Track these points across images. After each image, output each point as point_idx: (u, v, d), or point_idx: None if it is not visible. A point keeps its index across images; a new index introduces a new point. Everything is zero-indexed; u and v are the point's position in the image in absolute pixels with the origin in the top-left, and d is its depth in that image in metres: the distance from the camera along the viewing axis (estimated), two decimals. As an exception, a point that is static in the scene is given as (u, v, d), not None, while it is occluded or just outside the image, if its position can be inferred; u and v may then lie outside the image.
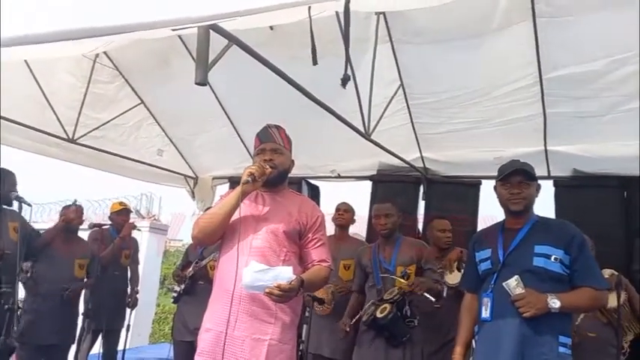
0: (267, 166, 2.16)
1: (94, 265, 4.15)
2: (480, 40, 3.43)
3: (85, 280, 4.14)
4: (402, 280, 3.15)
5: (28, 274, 3.86)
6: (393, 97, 3.99)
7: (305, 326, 3.47)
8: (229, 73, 3.46)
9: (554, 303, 2.05)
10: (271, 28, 3.38)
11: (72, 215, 3.96)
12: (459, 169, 4.73)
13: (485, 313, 2.19)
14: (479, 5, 3.21)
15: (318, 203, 4.61)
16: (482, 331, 2.24)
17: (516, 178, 2.24)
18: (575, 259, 2.14)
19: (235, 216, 2.18)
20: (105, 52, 4.17)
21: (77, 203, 4.26)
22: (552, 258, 2.13)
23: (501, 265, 2.20)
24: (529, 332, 2.07)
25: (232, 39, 2.13)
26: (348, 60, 2.42)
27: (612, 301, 2.95)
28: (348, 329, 3.40)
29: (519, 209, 2.23)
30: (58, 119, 4.31)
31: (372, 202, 4.95)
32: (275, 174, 2.19)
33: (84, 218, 4.31)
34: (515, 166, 2.27)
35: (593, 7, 2.97)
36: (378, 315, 3.10)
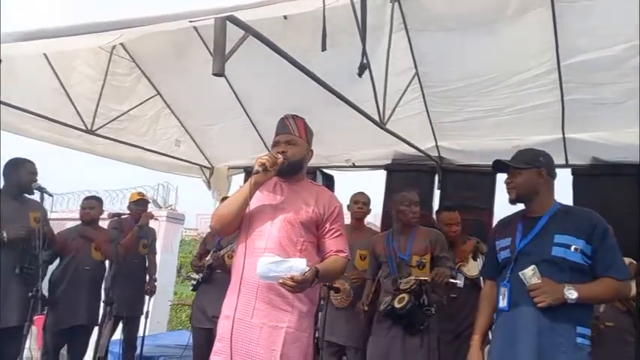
0: (279, 156, 2.17)
1: (112, 248, 4.23)
2: (496, 27, 3.38)
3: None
4: (420, 272, 3.16)
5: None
6: (408, 86, 3.96)
7: (320, 314, 3.50)
8: (244, 64, 3.47)
9: (571, 294, 2.02)
10: (285, 17, 3.38)
11: None
12: (475, 158, 4.69)
13: (503, 303, 2.18)
14: (495, -9, 3.17)
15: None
16: (499, 320, 2.23)
17: (501, 170, 2.30)
18: (596, 249, 2.09)
19: (253, 205, 2.20)
20: (122, 44, 4.21)
21: (96, 195, 4.39)
22: (572, 248, 2.08)
23: (518, 253, 2.19)
24: (546, 322, 2.05)
25: (249, 30, 2.14)
26: (364, 48, 2.41)
27: (632, 289, 2.92)
28: (365, 309, 3.38)
29: (512, 198, 2.27)
30: (77, 111, 4.38)
31: (387, 191, 4.95)
32: (286, 164, 2.20)
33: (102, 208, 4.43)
34: (498, 159, 2.31)
35: (613, -9, 2.92)
36: (396, 305, 3.11)
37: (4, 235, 3.24)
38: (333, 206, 2.27)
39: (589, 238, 2.10)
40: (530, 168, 2.24)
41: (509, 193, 2.27)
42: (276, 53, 2.48)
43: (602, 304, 2.95)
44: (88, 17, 2.15)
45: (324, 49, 2.22)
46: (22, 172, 3.46)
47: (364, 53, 2.43)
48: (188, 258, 9.62)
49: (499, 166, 2.32)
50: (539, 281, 2.08)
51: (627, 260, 3.14)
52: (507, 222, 2.38)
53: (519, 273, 2.13)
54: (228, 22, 2.01)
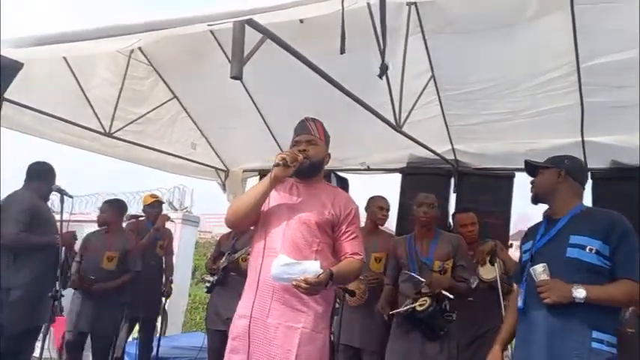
0: (299, 154, 2.18)
1: (131, 258, 4.23)
2: (513, 29, 3.36)
3: (123, 276, 4.22)
4: (441, 277, 3.14)
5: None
6: (424, 89, 3.94)
7: (335, 317, 3.49)
8: (260, 67, 3.49)
9: (579, 293, 1.96)
10: (301, 21, 3.39)
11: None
12: (492, 162, 4.64)
13: (519, 303, 2.18)
14: (513, -7, 3.15)
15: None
16: (519, 320, 2.23)
17: (530, 174, 2.33)
18: (614, 250, 2.03)
19: (270, 205, 2.22)
20: (139, 48, 4.26)
21: (113, 199, 4.45)
22: (587, 249, 2.03)
23: (535, 254, 2.17)
24: (557, 323, 2.01)
25: (267, 33, 2.15)
26: (384, 49, 2.40)
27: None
28: (386, 317, 3.35)
29: (533, 199, 2.31)
30: (96, 114, 4.44)
31: (402, 194, 4.92)
32: (307, 164, 2.20)
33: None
34: (527, 160, 2.36)
35: (634, -8, 2.87)
36: (418, 308, 3.08)
37: (59, 239, 3.32)
38: (350, 208, 2.27)
39: (606, 238, 2.04)
40: (550, 168, 2.25)
41: (531, 192, 2.31)
42: (293, 56, 2.48)
43: (619, 306, 2.86)
44: (107, 21, 2.18)
45: (342, 51, 2.22)
46: (50, 178, 3.54)
47: (383, 54, 2.42)
48: (202, 260, 9.67)
49: (528, 168, 2.35)
50: (548, 278, 2.05)
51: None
52: (534, 226, 2.36)
53: (530, 269, 2.11)
54: (245, 25, 2.02)
